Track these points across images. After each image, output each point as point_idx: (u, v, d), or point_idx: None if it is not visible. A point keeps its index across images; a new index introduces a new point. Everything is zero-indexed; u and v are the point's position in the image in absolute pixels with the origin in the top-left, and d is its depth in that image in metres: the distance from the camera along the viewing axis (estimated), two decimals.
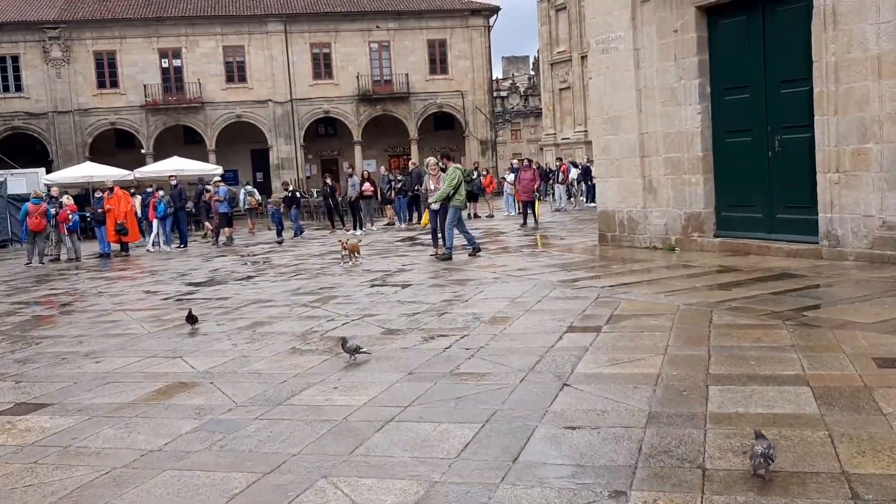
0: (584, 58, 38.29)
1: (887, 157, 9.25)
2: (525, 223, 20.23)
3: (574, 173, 26.70)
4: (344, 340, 6.42)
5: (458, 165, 14.53)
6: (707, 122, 11.72)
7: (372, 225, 23.44)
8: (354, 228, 22.66)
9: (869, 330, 6.13)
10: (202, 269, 15.23)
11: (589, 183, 27.11)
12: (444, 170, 13.47)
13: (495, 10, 44.89)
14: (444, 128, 46.46)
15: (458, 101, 44.84)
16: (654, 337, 6.40)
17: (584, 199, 27.27)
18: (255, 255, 17.66)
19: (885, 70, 9.15)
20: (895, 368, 5.13)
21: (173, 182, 22.08)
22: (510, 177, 25.10)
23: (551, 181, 27.82)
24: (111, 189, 19.85)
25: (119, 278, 14.85)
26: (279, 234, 22.34)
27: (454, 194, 13.10)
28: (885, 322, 6.35)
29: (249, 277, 13.10)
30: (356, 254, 13.85)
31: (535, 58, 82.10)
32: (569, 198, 26.71)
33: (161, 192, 21.47)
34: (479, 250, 13.46)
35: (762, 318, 6.84)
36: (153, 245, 20.73)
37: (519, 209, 25.59)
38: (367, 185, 22.84)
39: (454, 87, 44.64)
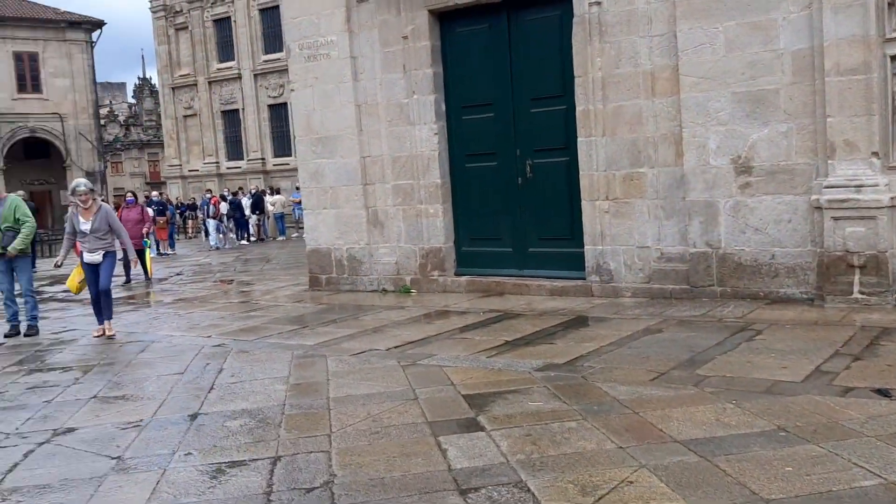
0: (211, 83, 35.36)
1: (663, 181, 8.53)
2: (130, 279, 14.83)
3: (224, 207, 23.73)
4: None
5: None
6: (444, 145, 10.20)
7: None
8: None
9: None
10: None
11: (240, 217, 24.42)
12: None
13: (99, 24, 39.51)
14: (38, 156, 39.45)
15: (56, 126, 38.40)
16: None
17: (235, 237, 24.47)
18: None
19: (660, 87, 8.44)
20: None
21: None
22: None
23: (199, 217, 24.44)
24: None
25: None
26: None
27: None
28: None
29: None
30: None
31: (136, 84, 75.91)
32: (219, 234, 23.63)
33: None
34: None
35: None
36: None
37: (159, 249, 22.01)
38: None
39: (50, 108, 38.17)
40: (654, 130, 8.50)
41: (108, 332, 8.73)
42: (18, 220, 9.26)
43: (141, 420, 5.23)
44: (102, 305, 8.84)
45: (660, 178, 8.54)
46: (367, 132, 10.60)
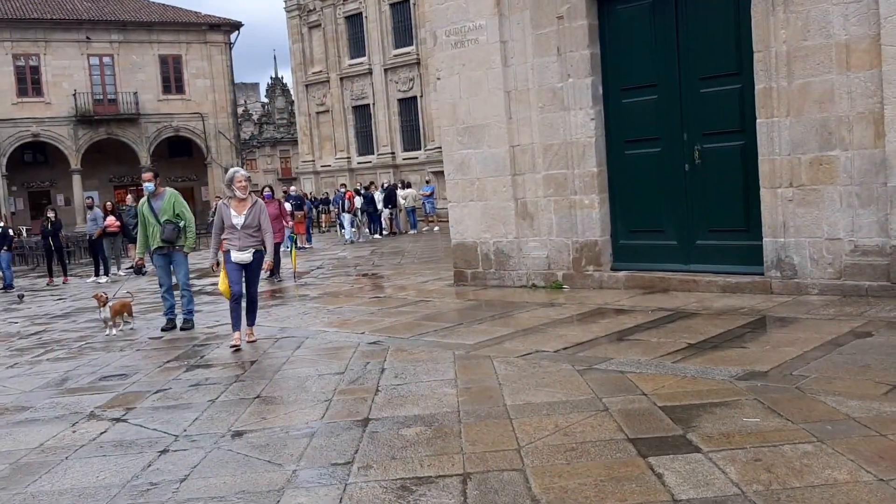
0: (342, 79, 35.86)
1: (859, 165, 7.57)
2: (276, 272, 13.60)
3: (359, 202, 23.87)
4: None
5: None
6: (601, 131, 9.55)
7: (119, 269, 18.72)
8: (97, 275, 17.85)
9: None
10: None
11: (373, 211, 24.52)
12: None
13: (237, 25, 40.93)
14: (181, 154, 41.31)
15: (197, 125, 40.07)
16: None
17: (368, 231, 24.60)
18: None
19: (856, 60, 7.48)
20: None
21: None
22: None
23: (335, 212, 24.72)
24: None
25: None
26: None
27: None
28: None
29: None
30: (123, 317, 9.79)
31: (268, 83, 78.64)
32: (353, 228, 23.80)
33: None
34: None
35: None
36: None
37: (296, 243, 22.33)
38: (111, 219, 18.14)
39: (192, 108, 39.86)
40: (849, 109, 7.55)
41: (249, 339, 7.96)
42: (178, 214, 9.33)
43: (309, 424, 4.93)
44: (247, 311, 8.08)
45: (854, 161, 7.58)
46: (517, 120, 10.08)
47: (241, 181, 7.92)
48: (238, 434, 4.87)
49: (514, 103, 10.11)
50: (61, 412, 5.80)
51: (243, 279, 8.05)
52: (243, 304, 8.05)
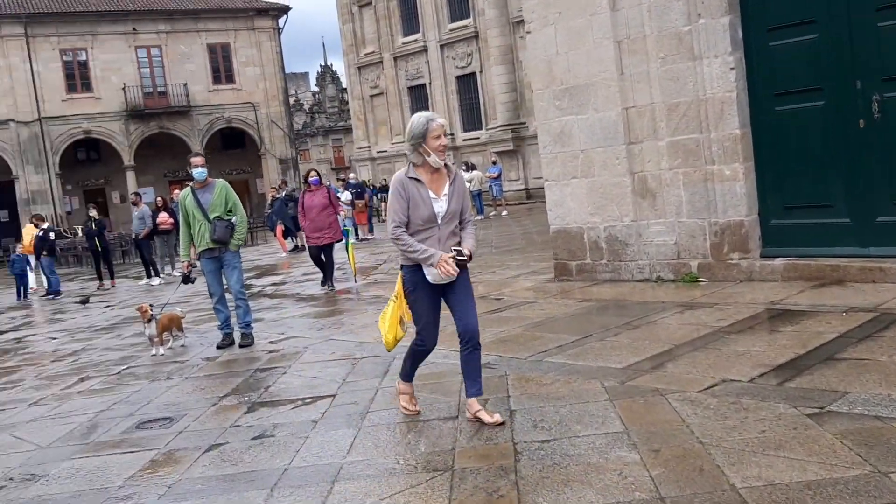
0: (396, 59, 34.20)
1: None
2: (328, 279, 11.44)
3: None
4: None
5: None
6: (743, 83, 7.65)
7: (173, 268, 17.42)
8: (149, 277, 16.57)
9: None
10: None
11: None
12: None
13: (284, 9, 39.55)
14: (234, 146, 40.22)
15: (249, 115, 38.87)
16: None
17: None
18: None
19: None
20: None
21: None
22: (344, 195, 20.06)
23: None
24: None
25: None
26: (22, 293, 16.45)
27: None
28: None
29: None
30: (172, 333, 8.28)
31: (318, 72, 77.58)
32: None
33: None
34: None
35: None
36: None
37: (357, 234, 20.86)
38: (163, 216, 16.81)
39: (244, 97, 38.65)
40: None
41: (488, 420, 4.33)
42: (230, 210, 7.78)
43: None
44: (467, 366, 4.44)
45: None
46: (631, 76, 8.24)
47: (438, 133, 4.33)
48: None
49: (626, 55, 8.26)
50: (78, 487, 4.23)
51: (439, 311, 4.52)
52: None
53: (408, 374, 4.77)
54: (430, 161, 4.34)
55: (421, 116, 4.37)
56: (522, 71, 28.13)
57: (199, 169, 7.81)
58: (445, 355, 6.18)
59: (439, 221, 4.35)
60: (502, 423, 4.31)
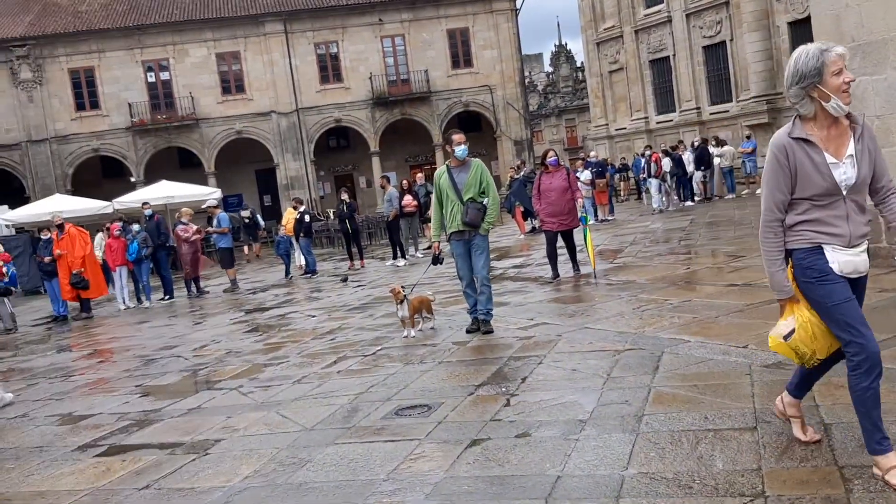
0: (637, 32, 32.78)
1: None
2: (576, 268, 10.77)
3: (667, 164, 21.03)
4: None
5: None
6: None
7: (416, 250, 17.84)
8: (395, 258, 17.07)
9: None
10: (185, 345, 9.66)
11: (682, 175, 21.51)
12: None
13: None
14: (470, 129, 40.69)
15: (485, 98, 39.25)
16: None
17: (677, 197, 21.68)
18: (261, 309, 12.12)
19: None
20: None
21: (147, 212, 16.55)
22: (584, 175, 19.41)
23: (631, 179, 22.15)
24: (60, 226, 14.30)
25: (65, 370, 9.28)
26: (287, 271, 17.51)
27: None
28: None
29: (253, 374, 7.49)
30: (423, 315, 8.19)
31: (552, 52, 77.23)
32: (660, 194, 21.06)
33: (136, 227, 15.97)
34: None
35: None
36: (124, 302, 15.15)
37: (597, 215, 20.10)
38: (408, 199, 17.23)
39: (481, 81, 39.07)
40: None
41: (802, 437, 3.67)
42: (483, 191, 7.54)
43: None
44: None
45: None
46: None
47: (839, 67, 3.20)
48: None
49: None
50: (343, 476, 4.10)
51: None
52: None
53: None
54: (828, 108, 3.18)
55: (809, 48, 3.23)
56: (780, 37, 25.74)
57: (462, 147, 7.62)
58: (725, 351, 5.47)
59: (844, 193, 3.21)
60: (818, 441, 3.57)
